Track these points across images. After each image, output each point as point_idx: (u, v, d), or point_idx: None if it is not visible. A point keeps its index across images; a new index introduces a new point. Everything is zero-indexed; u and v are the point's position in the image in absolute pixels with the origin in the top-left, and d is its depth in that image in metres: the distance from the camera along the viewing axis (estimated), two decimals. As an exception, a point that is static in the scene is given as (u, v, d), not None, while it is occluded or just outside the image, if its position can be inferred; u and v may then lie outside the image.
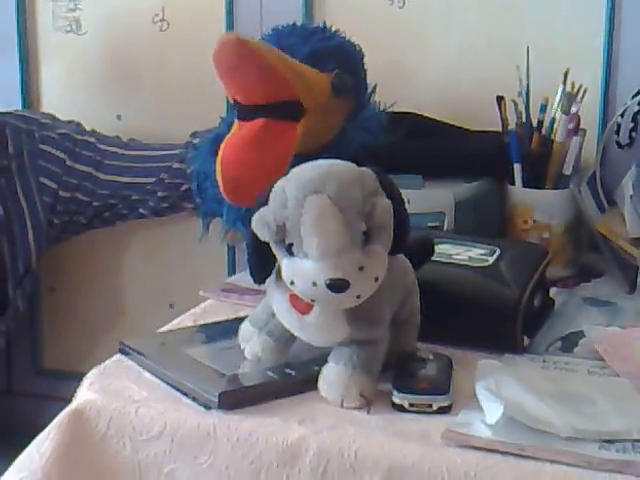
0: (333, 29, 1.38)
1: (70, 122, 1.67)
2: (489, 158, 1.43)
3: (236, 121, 1.28)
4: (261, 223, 0.96)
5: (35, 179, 1.60)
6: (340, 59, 1.30)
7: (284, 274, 0.96)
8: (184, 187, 1.60)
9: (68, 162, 1.61)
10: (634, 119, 1.47)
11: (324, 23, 1.40)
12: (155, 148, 1.66)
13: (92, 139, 1.65)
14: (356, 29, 1.58)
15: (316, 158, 0.99)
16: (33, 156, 1.60)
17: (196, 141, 1.60)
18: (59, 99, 1.81)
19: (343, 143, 1.30)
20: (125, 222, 1.69)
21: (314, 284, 0.93)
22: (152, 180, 1.62)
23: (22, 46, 1.79)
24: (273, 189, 0.97)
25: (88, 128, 1.68)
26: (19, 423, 1.71)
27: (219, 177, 1.23)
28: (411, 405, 0.95)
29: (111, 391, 1.01)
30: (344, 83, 1.28)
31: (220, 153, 1.25)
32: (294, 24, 1.36)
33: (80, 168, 1.62)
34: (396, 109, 1.51)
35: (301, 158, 1.01)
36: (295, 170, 0.98)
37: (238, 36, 1.21)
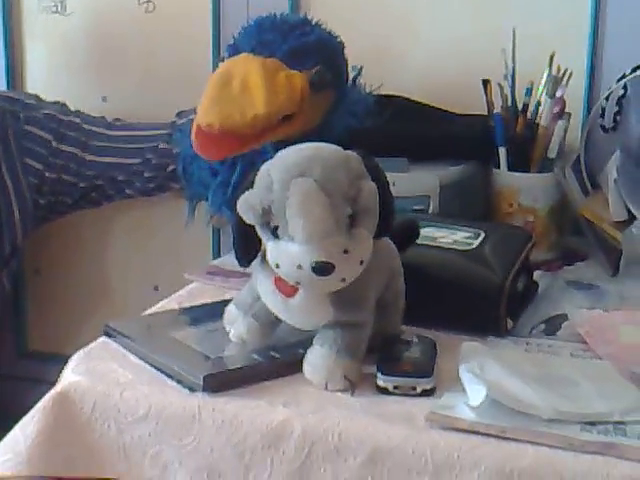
0: (314, 21, 1.36)
1: (55, 103, 1.66)
2: (474, 141, 1.43)
3: None
4: (246, 206, 0.96)
5: (20, 160, 1.59)
6: (320, 54, 1.29)
7: (269, 257, 0.96)
8: (171, 167, 1.59)
9: (54, 143, 1.61)
10: (619, 103, 1.47)
11: (305, 16, 1.39)
12: (141, 128, 1.65)
13: (77, 120, 1.64)
14: (342, 14, 1.59)
15: (301, 142, 0.99)
16: (18, 137, 1.59)
17: (182, 121, 1.60)
18: (44, 80, 1.80)
19: (329, 127, 1.30)
20: (112, 202, 1.69)
21: (299, 267, 0.93)
22: (138, 161, 1.61)
23: (7, 27, 1.78)
24: (258, 172, 0.97)
25: (73, 109, 1.68)
26: (3, 405, 1.71)
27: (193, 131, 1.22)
28: (395, 387, 0.96)
29: (96, 373, 1.01)
30: (323, 80, 1.27)
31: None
32: (275, 16, 1.34)
33: (66, 149, 1.61)
34: (382, 92, 1.51)
35: (285, 144, 1.00)
36: (280, 153, 0.98)
37: (217, 128, 1.19)
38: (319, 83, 1.26)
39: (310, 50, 1.29)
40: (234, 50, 1.31)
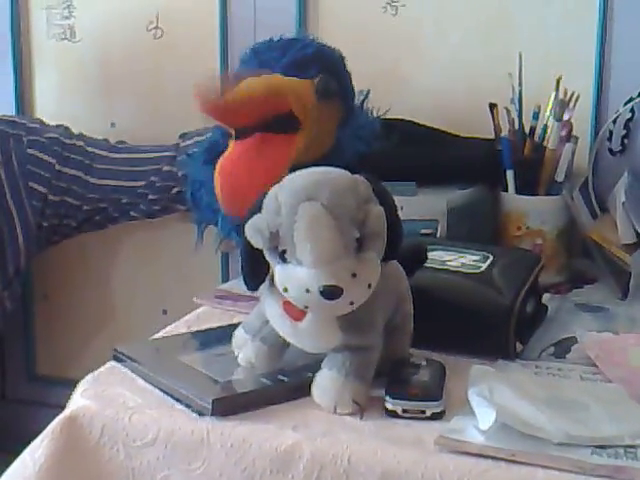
0: (310, 37, 1.37)
1: (59, 126, 1.67)
2: (482, 165, 1.43)
3: (232, 142, 1.26)
4: (254, 230, 0.96)
5: (24, 184, 1.60)
6: (321, 64, 1.30)
7: (277, 281, 0.96)
8: (175, 190, 1.60)
9: (57, 166, 1.61)
10: (626, 126, 1.48)
11: (301, 33, 1.40)
12: (144, 150, 1.66)
13: (81, 142, 1.65)
14: (349, 36, 1.60)
15: (313, 166, 0.99)
16: (22, 161, 1.60)
17: (186, 143, 1.61)
18: (53, 106, 1.81)
19: (338, 152, 1.30)
20: (116, 225, 1.69)
21: (307, 291, 0.93)
22: (142, 183, 1.62)
23: (16, 53, 1.79)
24: (266, 196, 0.97)
25: (77, 132, 1.68)
26: (12, 429, 1.71)
27: (218, 190, 1.23)
28: (404, 411, 0.96)
29: (105, 398, 1.01)
30: (328, 86, 1.27)
31: (218, 167, 1.24)
32: (270, 39, 1.35)
33: (69, 172, 1.62)
34: (389, 116, 1.51)
35: (298, 168, 1.01)
36: (288, 177, 0.98)
37: (215, 102, 1.21)
38: (325, 89, 1.26)
39: (311, 60, 1.29)
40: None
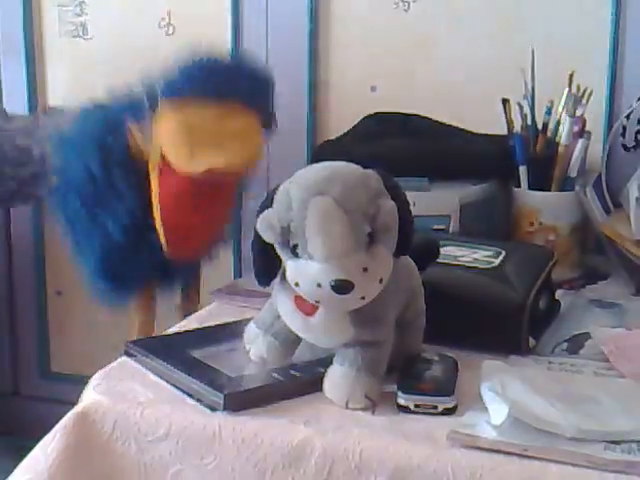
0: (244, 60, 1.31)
1: None
2: (494, 161, 1.43)
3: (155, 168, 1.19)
4: (266, 225, 0.96)
5: None
6: (254, 84, 1.25)
7: (289, 276, 0.96)
8: (29, 170, 1.47)
9: None
10: (640, 121, 1.47)
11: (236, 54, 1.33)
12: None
13: None
14: (362, 32, 1.60)
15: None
16: None
17: (47, 120, 1.50)
18: (65, 103, 1.81)
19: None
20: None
21: (319, 285, 0.93)
22: None
23: (28, 50, 1.80)
24: (277, 191, 0.97)
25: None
26: (25, 426, 1.72)
27: (158, 226, 1.18)
28: (416, 406, 0.95)
29: (117, 393, 1.01)
30: (274, 119, 1.23)
31: (155, 201, 1.17)
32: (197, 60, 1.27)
33: None
34: (402, 112, 1.51)
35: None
36: (300, 172, 0.98)
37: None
38: (270, 124, 1.23)
39: (247, 93, 1.23)
40: (175, 92, 1.21)
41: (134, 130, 1.20)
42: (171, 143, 1.13)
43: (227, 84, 1.19)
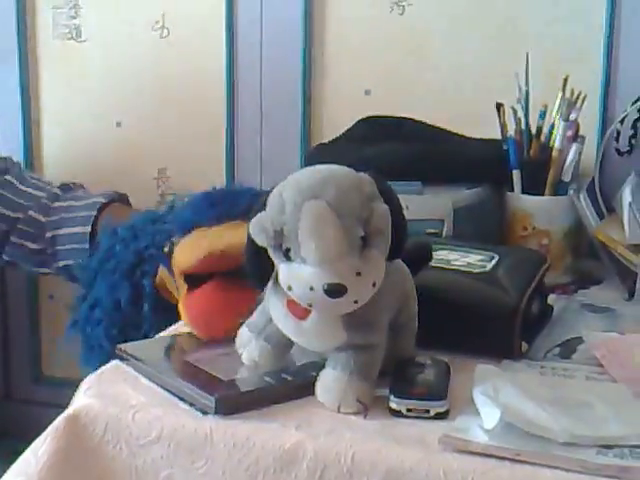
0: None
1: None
2: (488, 165, 1.43)
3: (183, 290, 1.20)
4: (259, 228, 0.95)
5: None
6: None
7: (281, 279, 0.96)
8: (34, 246, 1.55)
9: None
10: (634, 126, 1.47)
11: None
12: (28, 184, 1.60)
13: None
14: (356, 36, 1.60)
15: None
16: None
17: (61, 204, 1.55)
18: (59, 106, 1.81)
19: None
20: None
21: (311, 289, 0.92)
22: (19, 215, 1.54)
23: (22, 53, 1.80)
24: (270, 194, 0.97)
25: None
26: (17, 430, 1.71)
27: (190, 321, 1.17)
28: (408, 410, 0.95)
29: (108, 396, 1.01)
30: None
31: (188, 309, 1.17)
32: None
33: None
34: (396, 115, 1.51)
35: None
36: (293, 175, 0.98)
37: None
38: None
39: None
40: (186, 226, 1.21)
41: (162, 272, 1.25)
42: (182, 253, 1.17)
43: (228, 209, 1.20)
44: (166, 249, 1.20)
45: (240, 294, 1.11)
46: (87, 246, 1.48)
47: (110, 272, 1.29)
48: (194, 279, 1.17)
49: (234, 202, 1.20)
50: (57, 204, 1.56)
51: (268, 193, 0.97)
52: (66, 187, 1.63)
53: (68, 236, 1.52)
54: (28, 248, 1.55)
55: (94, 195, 1.58)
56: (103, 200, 1.54)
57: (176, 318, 1.17)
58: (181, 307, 1.16)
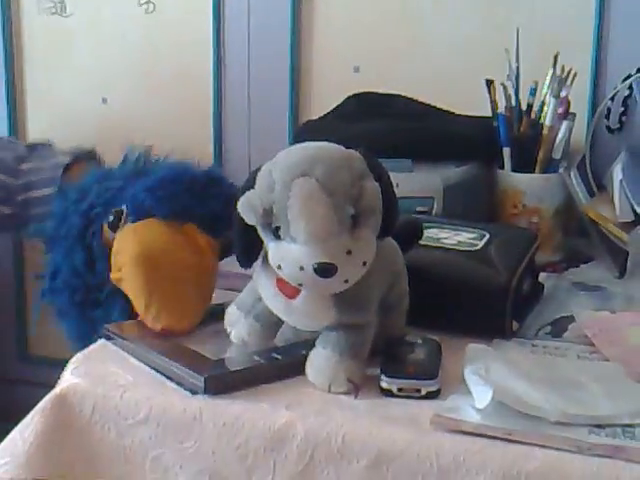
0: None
1: None
2: (478, 142, 1.42)
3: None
4: (247, 206, 0.94)
5: None
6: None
7: (271, 258, 0.95)
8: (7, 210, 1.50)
9: None
10: (624, 103, 1.46)
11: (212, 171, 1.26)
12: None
13: None
14: (346, 13, 1.58)
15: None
16: None
17: (28, 166, 1.51)
18: (43, 82, 1.79)
19: None
20: None
21: (301, 268, 0.91)
22: None
23: (6, 28, 1.77)
24: (259, 172, 0.95)
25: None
26: (4, 409, 1.70)
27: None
28: (399, 390, 0.94)
29: (95, 375, 1.00)
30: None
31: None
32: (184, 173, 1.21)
33: None
34: (385, 92, 1.50)
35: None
36: (282, 153, 0.96)
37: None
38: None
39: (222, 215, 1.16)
40: (141, 212, 1.17)
41: (106, 231, 1.21)
42: (130, 279, 1.11)
43: (191, 207, 1.16)
44: (111, 218, 1.17)
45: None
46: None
47: (64, 238, 1.26)
48: None
49: (202, 201, 1.17)
50: (24, 166, 1.52)
51: (257, 171, 0.96)
52: (32, 146, 1.59)
53: (37, 199, 1.49)
54: (1, 213, 1.52)
55: (60, 153, 1.54)
56: (67, 160, 1.51)
57: None
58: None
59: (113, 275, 1.15)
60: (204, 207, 1.16)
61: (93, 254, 1.24)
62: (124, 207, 1.17)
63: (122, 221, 1.17)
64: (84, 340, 1.19)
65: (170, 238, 1.12)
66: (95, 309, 1.24)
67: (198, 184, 1.18)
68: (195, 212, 1.15)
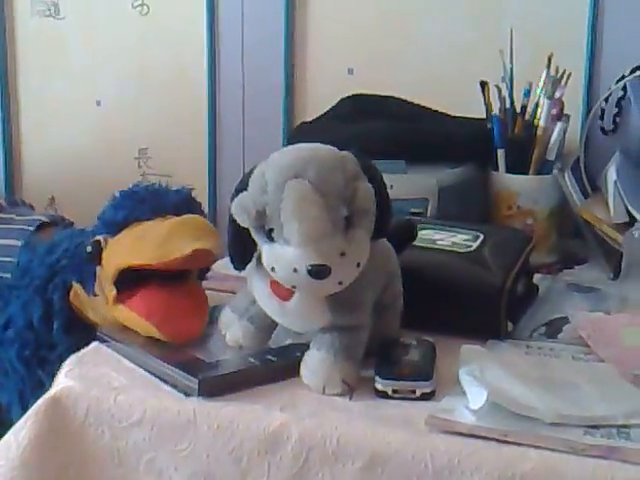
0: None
1: None
2: (472, 144, 1.42)
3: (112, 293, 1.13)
4: (240, 209, 0.94)
5: None
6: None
7: (264, 260, 0.94)
8: None
9: None
10: (618, 104, 1.46)
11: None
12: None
13: None
14: (339, 13, 1.58)
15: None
16: None
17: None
18: (37, 84, 1.79)
19: None
20: None
21: (295, 270, 0.91)
22: None
23: (-1, 30, 1.77)
24: (252, 173, 0.95)
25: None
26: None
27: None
28: (394, 391, 0.94)
29: (89, 378, 1.00)
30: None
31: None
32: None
33: None
34: (380, 94, 1.50)
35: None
36: (275, 155, 0.96)
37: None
38: None
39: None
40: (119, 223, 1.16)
41: (77, 288, 1.19)
42: (133, 250, 1.10)
43: (157, 204, 1.16)
44: (89, 249, 1.16)
45: (185, 289, 1.10)
46: (17, 260, 1.44)
47: (24, 289, 1.24)
48: (123, 280, 1.11)
49: (160, 198, 1.17)
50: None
51: (250, 172, 0.96)
52: (13, 202, 1.61)
53: (1, 247, 1.49)
54: None
55: (39, 214, 1.55)
56: (44, 219, 1.51)
57: (91, 338, 1.11)
58: (121, 309, 1.11)
59: (108, 294, 1.14)
60: (170, 203, 1.16)
61: (52, 309, 1.21)
62: (100, 237, 1.16)
63: (103, 247, 1.16)
64: (22, 399, 1.18)
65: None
66: (42, 368, 1.21)
67: (157, 192, 1.19)
68: (165, 208, 1.15)
